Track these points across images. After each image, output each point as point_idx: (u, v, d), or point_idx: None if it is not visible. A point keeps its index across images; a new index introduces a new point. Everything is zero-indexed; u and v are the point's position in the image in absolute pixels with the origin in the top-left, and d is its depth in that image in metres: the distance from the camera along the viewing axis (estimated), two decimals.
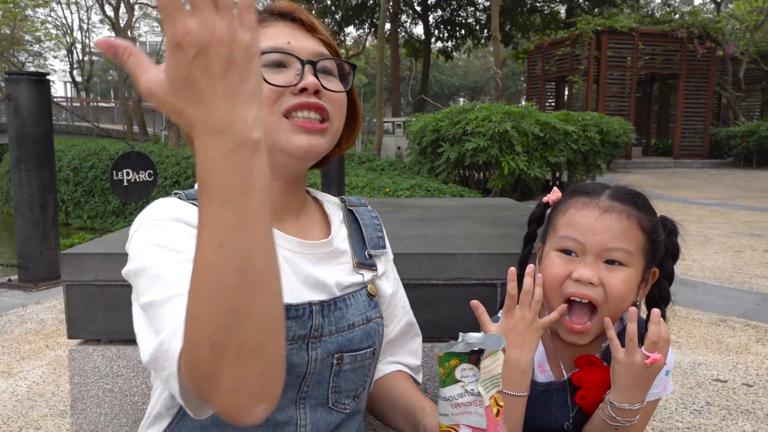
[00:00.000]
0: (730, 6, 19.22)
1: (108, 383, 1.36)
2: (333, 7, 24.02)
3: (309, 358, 0.87)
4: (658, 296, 1.12)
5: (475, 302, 1.06)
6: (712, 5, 22.40)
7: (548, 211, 1.21)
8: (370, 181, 8.18)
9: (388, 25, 20.15)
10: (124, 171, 4.56)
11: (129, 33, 20.04)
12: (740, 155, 15.58)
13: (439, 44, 26.33)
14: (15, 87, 3.80)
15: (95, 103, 35.41)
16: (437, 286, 1.36)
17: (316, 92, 0.87)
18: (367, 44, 30.17)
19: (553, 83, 18.42)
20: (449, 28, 25.66)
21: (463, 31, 25.51)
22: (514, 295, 1.04)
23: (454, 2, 24.92)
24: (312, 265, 0.92)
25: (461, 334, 0.83)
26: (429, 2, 25.00)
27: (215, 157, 0.52)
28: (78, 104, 31.57)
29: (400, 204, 2.43)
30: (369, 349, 0.95)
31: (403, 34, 26.26)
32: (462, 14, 25.46)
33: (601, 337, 1.10)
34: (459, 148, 8.16)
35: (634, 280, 1.04)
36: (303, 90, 0.85)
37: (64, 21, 32.83)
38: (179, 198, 0.87)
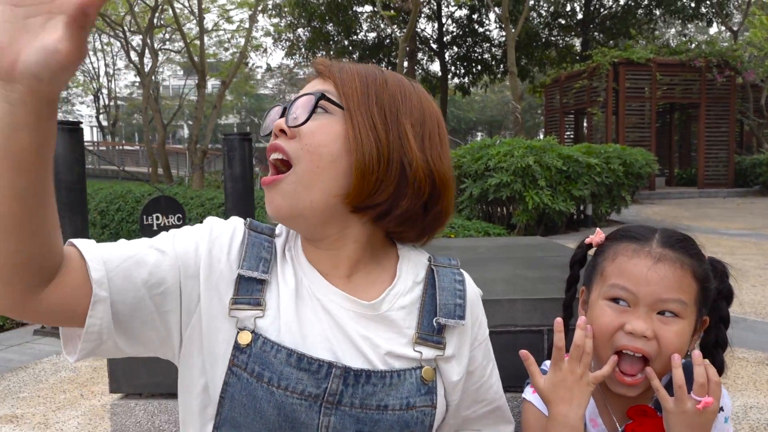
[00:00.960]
0: (746, 34, 19.19)
1: None
2: (351, 47, 24.50)
3: (320, 424, 0.77)
4: (714, 341, 1.08)
5: (524, 352, 1.04)
6: (728, 33, 22.40)
7: (590, 251, 1.20)
8: None
9: (405, 63, 20.45)
10: (154, 215, 4.63)
11: (153, 78, 20.59)
12: (767, 183, 15.33)
13: (456, 80, 26.61)
14: None
15: (121, 147, 36.25)
16: None
17: (282, 133, 0.79)
18: None
19: (572, 116, 18.44)
20: (465, 64, 25.97)
21: (479, 67, 25.80)
22: (562, 347, 1.00)
23: (470, 39, 25.27)
24: (354, 323, 0.82)
25: None
26: (445, 40, 25.39)
27: None
28: (104, 148, 32.35)
29: (433, 246, 2.42)
30: None
31: (420, 71, 26.63)
32: (477, 50, 25.78)
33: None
34: (482, 184, 8.15)
35: (687, 331, 1.01)
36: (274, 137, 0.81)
37: (90, 67, 33.87)
38: (244, 224, 0.87)
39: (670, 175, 18.62)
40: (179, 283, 0.79)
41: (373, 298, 0.85)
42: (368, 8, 23.71)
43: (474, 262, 1.89)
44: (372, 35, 25.82)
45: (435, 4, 22.49)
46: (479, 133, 53.32)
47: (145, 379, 1.35)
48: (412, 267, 0.91)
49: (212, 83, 31.05)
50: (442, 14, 25.04)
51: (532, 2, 21.12)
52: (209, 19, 23.79)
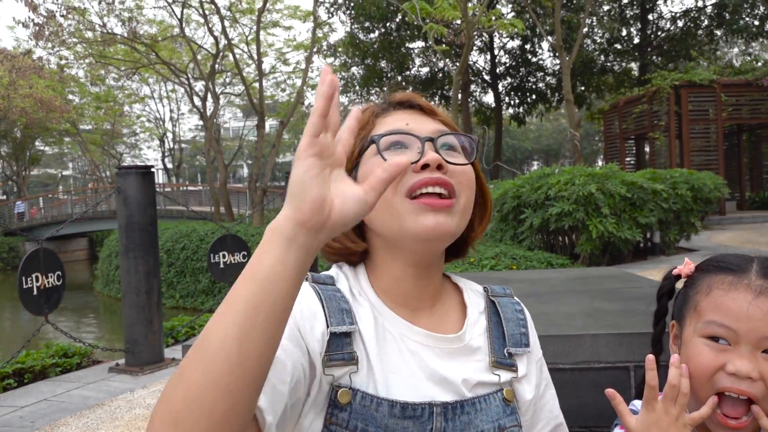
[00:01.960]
0: None
1: None
2: (404, 83, 24.85)
3: None
4: None
5: (610, 391, 0.98)
6: None
7: (677, 282, 1.14)
8: None
9: (459, 95, 20.56)
10: (221, 254, 4.75)
11: (215, 120, 21.45)
12: None
13: (510, 110, 26.52)
14: (124, 180, 4.10)
15: (185, 187, 37.70)
16: (564, 371, 1.29)
17: (440, 167, 0.83)
18: None
19: (632, 141, 18.00)
20: (519, 94, 25.88)
21: (533, 96, 25.65)
22: (655, 386, 0.94)
23: (523, 69, 25.22)
24: (439, 359, 0.85)
25: None
26: (498, 71, 25.42)
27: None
28: (169, 189, 33.71)
29: (503, 278, 2.37)
30: None
31: (473, 102, 26.68)
32: (531, 80, 25.68)
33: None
34: (542, 214, 8.01)
35: None
36: (425, 167, 0.83)
37: (156, 114, 35.68)
38: (306, 280, 0.86)
39: (741, 198, 17.82)
40: (305, 372, 0.77)
41: (453, 328, 0.90)
42: (420, 44, 24.09)
43: (549, 295, 1.83)
44: (425, 70, 26.17)
45: (487, 36, 22.61)
46: (535, 162, 52.71)
47: None
48: (473, 296, 0.96)
49: (270, 123, 32.07)
50: (494, 46, 25.14)
51: (586, 29, 20.94)
52: (267, 63, 24.69)
